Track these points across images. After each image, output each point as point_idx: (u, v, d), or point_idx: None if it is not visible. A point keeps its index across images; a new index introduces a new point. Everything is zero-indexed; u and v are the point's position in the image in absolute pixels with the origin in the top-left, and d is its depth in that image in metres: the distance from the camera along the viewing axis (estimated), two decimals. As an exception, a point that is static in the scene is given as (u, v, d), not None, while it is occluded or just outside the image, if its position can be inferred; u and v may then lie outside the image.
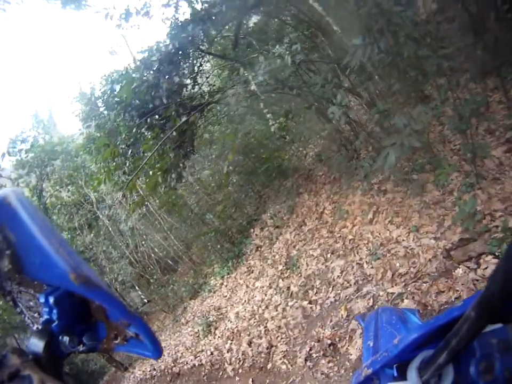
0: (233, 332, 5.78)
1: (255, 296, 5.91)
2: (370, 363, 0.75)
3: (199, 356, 6.46)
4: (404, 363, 0.63)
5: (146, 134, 6.15)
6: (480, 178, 3.83)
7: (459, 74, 4.44)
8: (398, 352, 0.63)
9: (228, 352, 5.51)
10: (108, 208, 12.68)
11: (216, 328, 6.57)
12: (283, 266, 5.87)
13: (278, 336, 4.72)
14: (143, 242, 12.30)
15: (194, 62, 6.67)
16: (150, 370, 9.25)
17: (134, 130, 6.15)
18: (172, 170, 5.93)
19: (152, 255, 12.06)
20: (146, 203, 10.57)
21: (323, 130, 7.37)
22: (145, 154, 6.15)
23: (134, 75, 6.14)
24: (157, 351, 0.62)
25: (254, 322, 5.39)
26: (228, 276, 8.01)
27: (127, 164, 6.79)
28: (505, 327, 0.54)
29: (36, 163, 14.39)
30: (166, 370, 7.88)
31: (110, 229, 11.59)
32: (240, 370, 5.03)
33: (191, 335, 7.54)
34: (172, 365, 7.57)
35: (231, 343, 5.60)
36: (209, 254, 9.61)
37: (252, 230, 8.34)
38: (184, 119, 5.64)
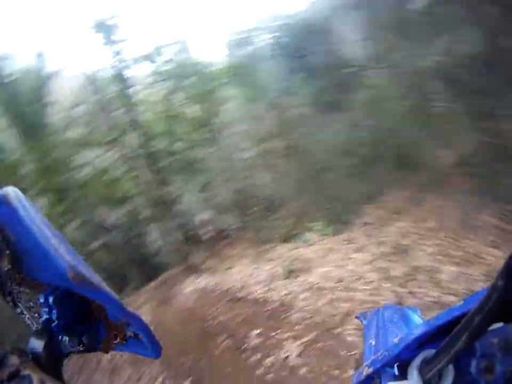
0: (313, 287, 5.75)
1: (348, 265, 5.82)
2: (371, 362, 0.75)
3: (269, 293, 6.55)
4: (405, 362, 0.63)
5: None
6: None
7: None
8: (399, 351, 0.63)
9: (302, 301, 5.52)
10: (229, 135, 13.25)
11: (298, 276, 6.56)
12: (390, 249, 5.67)
13: (361, 310, 4.66)
14: (258, 174, 12.63)
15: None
16: (203, 287, 9.92)
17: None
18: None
19: (263, 188, 12.36)
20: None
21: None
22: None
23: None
24: (156, 351, 0.65)
25: (340, 287, 5.34)
26: (327, 236, 7.93)
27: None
28: (506, 326, 0.51)
29: (172, 74, 15.44)
30: (228, 291, 8.13)
31: (229, 151, 12.07)
32: (305, 322, 5.01)
33: (268, 272, 7.65)
34: (237, 289, 7.79)
35: (308, 295, 5.59)
36: (318, 209, 9.48)
37: (367, 205, 8.15)
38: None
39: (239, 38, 11.06)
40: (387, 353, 0.67)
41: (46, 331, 0.57)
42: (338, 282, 5.48)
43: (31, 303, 0.60)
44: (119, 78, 14.70)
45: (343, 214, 8.18)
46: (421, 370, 0.59)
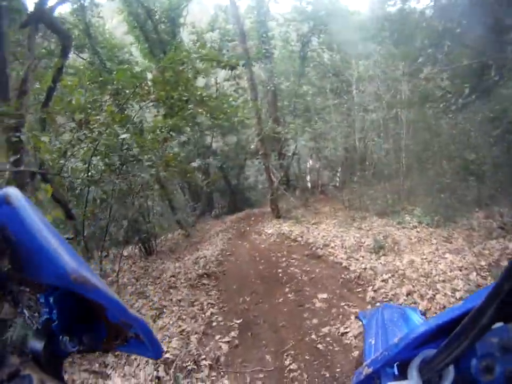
0: (397, 271, 5.48)
1: (439, 263, 5.43)
2: (371, 362, 0.76)
3: (350, 260, 6.45)
4: (405, 362, 0.64)
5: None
6: None
7: None
8: (398, 351, 0.64)
9: (381, 281, 5.28)
10: (360, 91, 12.75)
11: (384, 255, 6.36)
12: (487, 265, 5.10)
13: (438, 312, 4.20)
14: (375, 138, 12.27)
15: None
16: (275, 233, 10.02)
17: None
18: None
19: (375, 155, 12.00)
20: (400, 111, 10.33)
21: None
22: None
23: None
24: (157, 352, 0.65)
25: (423, 280, 4.99)
26: (425, 226, 7.59)
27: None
28: (505, 326, 0.54)
29: (312, 16, 14.98)
30: (309, 245, 8.17)
31: (356, 108, 11.72)
32: (377, 305, 4.62)
33: (355, 241, 7.57)
34: (319, 246, 7.81)
35: (389, 277, 5.34)
36: (425, 194, 8.98)
37: (476, 209, 7.53)
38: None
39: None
40: (387, 353, 0.69)
41: (46, 331, 0.57)
42: (424, 277, 5.12)
43: (31, 303, 0.60)
44: (257, 9, 14.76)
45: (451, 210, 7.57)
46: (420, 370, 0.62)
